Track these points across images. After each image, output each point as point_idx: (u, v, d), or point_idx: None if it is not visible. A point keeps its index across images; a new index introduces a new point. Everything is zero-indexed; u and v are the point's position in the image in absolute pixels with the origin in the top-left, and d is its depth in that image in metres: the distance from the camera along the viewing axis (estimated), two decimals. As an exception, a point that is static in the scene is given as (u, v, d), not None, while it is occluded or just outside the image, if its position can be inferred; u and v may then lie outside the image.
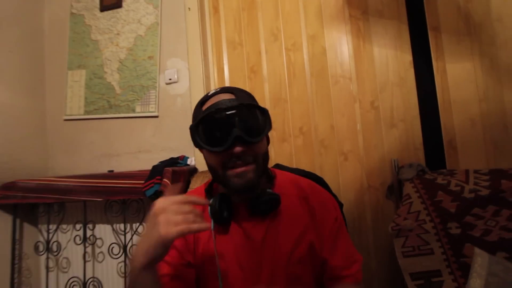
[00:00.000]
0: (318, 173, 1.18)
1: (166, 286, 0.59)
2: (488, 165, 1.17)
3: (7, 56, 1.44)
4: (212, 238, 0.61)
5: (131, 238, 1.21)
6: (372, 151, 1.28)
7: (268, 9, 1.44)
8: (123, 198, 1.15)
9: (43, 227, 1.38)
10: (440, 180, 1.09)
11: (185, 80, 1.40)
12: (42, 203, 1.31)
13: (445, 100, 1.22)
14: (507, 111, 1.16)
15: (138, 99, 1.45)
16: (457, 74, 1.22)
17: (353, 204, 1.27)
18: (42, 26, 1.64)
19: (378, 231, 1.24)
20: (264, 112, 0.63)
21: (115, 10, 1.53)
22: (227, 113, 0.57)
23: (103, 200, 1.18)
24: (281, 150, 1.37)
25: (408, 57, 1.27)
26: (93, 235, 1.28)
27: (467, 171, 1.11)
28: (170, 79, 1.41)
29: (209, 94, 0.66)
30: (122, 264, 1.25)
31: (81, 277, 1.26)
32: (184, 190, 1.14)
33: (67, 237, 1.35)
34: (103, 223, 1.30)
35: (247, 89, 0.73)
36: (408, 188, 1.11)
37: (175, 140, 1.39)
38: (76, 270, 1.32)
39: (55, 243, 1.33)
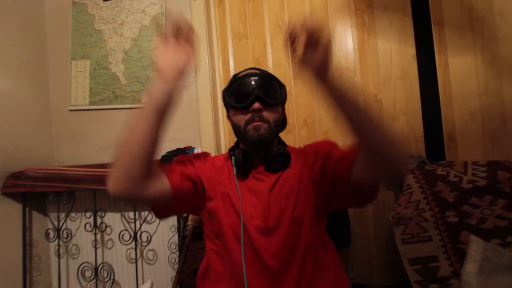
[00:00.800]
0: (322, 164, 1.21)
1: (179, 180, 0.70)
2: (486, 157, 1.21)
3: (10, 45, 1.43)
4: (234, 181, 0.74)
5: (140, 226, 1.25)
6: (374, 143, 1.31)
7: (274, 1, 1.44)
8: (133, 187, 1.18)
9: (53, 215, 1.41)
10: (439, 171, 1.14)
11: (191, 72, 1.41)
12: (51, 191, 1.34)
13: (446, 94, 1.25)
14: (506, 105, 1.20)
15: (143, 90, 1.46)
16: (458, 68, 1.24)
17: (355, 194, 1.32)
18: (43, 14, 1.62)
19: (379, 219, 1.29)
20: (282, 85, 0.79)
21: (118, 0, 1.51)
22: (251, 77, 0.75)
23: (113, 189, 1.21)
24: (285, 141, 1.39)
25: (411, 51, 1.29)
26: (102, 222, 1.31)
27: (465, 163, 1.15)
28: (175, 70, 1.41)
29: (241, 71, 0.82)
30: (132, 250, 1.29)
31: (93, 262, 1.30)
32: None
33: (76, 224, 1.38)
34: (112, 211, 1.33)
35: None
36: (409, 179, 1.15)
37: (181, 131, 1.41)
38: (86, 256, 1.36)
39: (65, 231, 1.37)
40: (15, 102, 1.42)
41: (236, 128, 0.78)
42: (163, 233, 1.27)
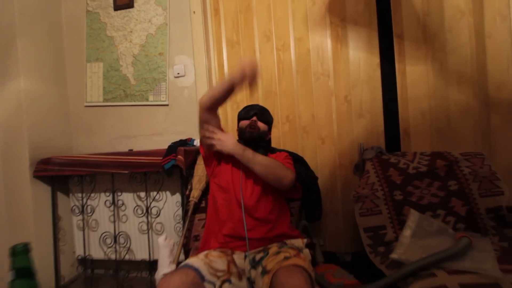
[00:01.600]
0: (300, 154, 1.50)
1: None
2: (432, 148, 1.49)
3: (36, 49, 1.66)
4: (230, 160, 1.15)
5: (150, 203, 1.52)
6: (344, 136, 1.58)
7: (262, 13, 1.67)
8: (145, 170, 1.44)
9: (76, 195, 1.68)
10: (392, 159, 1.41)
11: (191, 75, 1.66)
12: (76, 175, 1.61)
13: (403, 96, 1.51)
14: (450, 106, 1.47)
15: (150, 90, 1.70)
16: (414, 75, 1.50)
17: (327, 178, 1.60)
18: (60, 22, 1.84)
19: (346, 199, 1.57)
20: (270, 116, 1.27)
21: (127, 10, 1.74)
22: (255, 106, 1.24)
23: (128, 172, 1.47)
24: (271, 134, 1.66)
25: (376, 60, 1.54)
26: (119, 199, 1.59)
27: (415, 153, 1.42)
28: (178, 73, 1.66)
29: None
30: (143, 223, 1.57)
31: (112, 231, 1.59)
32: (192, 164, 1.44)
33: (95, 202, 1.65)
34: (126, 191, 1.61)
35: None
36: (368, 166, 1.42)
37: (183, 125, 1.67)
38: (104, 228, 1.64)
39: (89, 207, 1.64)
40: (41, 99, 1.67)
41: (240, 131, 1.22)
42: (169, 207, 1.55)
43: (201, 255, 0.97)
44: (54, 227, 1.59)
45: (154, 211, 1.53)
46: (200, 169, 1.39)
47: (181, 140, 1.55)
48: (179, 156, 1.35)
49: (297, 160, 1.41)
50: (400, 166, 1.38)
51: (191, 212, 1.32)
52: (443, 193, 1.26)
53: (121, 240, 1.58)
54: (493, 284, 0.80)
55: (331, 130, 1.59)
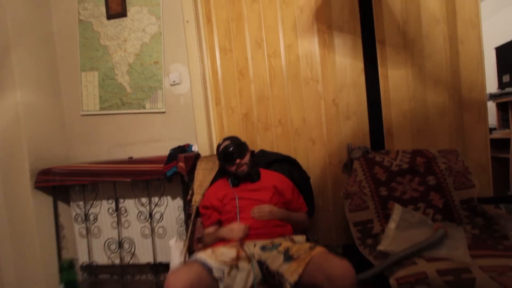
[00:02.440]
0: (292, 155, 1.61)
1: (212, 215, 1.29)
2: (413, 146, 1.62)
3: (30, 60, 1.67)
4: (232, 193, 1.28)
5: (153, 209, 1.59)
6: (333, 137, 1.69)
7: (253, 21, 1.75)
8: (147, 178, 1.51)
9: (77, 204, 1.73)
10: (377, 158, 1.53)
11: (187, 82, 1.72)
12: (77, 184, 1.65)
13: (386, 99, 1.63)
14: (428, 107, 1.60)
15: (147, 98, 1.75)
16: (395, 79, 1.62)
17: (319, 177, 1.71)
18: (52, 31, 1.85)
19: (336, 196, 1.69)
20: (244, 143, 1.37)
21: (120, 19, 1.77)
22: (229, 149, 1.32)
23: (131, 180, 1.53)
24: (264, 137, 1.76)
25: (360, 65, 1.65)
26: (121, 206, 1.65)
27: (397, 151, 1.55)
28: (174, 81, 1.72)
29: (221, 144, 1.38)
30: (145, 228, 1.64)
31: (115, 237, 1.65)
32: (192, 169, 1.51)
33: (97, 210, 1.70)
34: (128, 197, 1.66)
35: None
36: (356, 164, 1.54)
37: (180, 131, 1.73)
38: (107, 234, 1.69)
39: (91, 215, 1.69)
40: (38, 110, 1.69)
41: (228, 171, 1.35)
42: (171, 212, 1.62)
43: (209, 250, 1.06)
44: (57, 236, 1.63)
45: (157, 216, 1.60)
46: (200, 174, 1.47)
47: (179, 147, 1.62)
48: (180, 163, 1.42)
49: (291, 163, 1.52)
50: (385, 164, 1.50)
51: (194, 215, 1.40)
52: (423, 187, 1.39)
53: (126, 246, 1.65)
54: (464, 268, 0.93)
55: (321, 132, 1.70)
